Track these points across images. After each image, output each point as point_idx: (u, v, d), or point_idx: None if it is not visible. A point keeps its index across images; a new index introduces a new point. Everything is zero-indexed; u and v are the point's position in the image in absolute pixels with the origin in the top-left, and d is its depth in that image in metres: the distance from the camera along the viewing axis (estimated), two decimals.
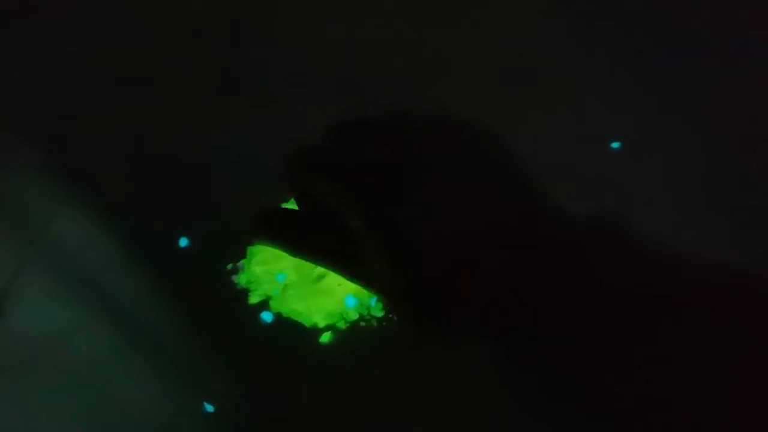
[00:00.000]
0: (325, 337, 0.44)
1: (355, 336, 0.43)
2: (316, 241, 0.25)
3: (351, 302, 0.44)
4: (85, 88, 0.50)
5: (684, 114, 0.48)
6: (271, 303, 0.45)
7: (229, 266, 0.46)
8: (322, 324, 0.44)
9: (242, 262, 0.46)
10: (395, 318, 0.22)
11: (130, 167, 0.48)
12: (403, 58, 0.49)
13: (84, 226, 0.46)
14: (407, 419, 0.41)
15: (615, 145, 0.47)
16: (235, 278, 0.46)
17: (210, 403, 0.42)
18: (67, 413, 0.42)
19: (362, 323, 0.44)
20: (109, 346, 0.43)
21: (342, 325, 0.44)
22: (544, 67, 0.49)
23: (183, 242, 0.47)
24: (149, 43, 0.52)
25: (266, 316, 0.44)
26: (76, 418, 0.42)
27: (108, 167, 0.48)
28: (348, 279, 0.24)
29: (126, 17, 0.52)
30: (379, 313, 0.44)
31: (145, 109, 0.50)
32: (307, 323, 0.44)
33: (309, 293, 0.45)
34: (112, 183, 0.48)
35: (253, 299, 0.45)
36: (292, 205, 0.47)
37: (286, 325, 0.44)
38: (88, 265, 0.45)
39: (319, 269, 0.45)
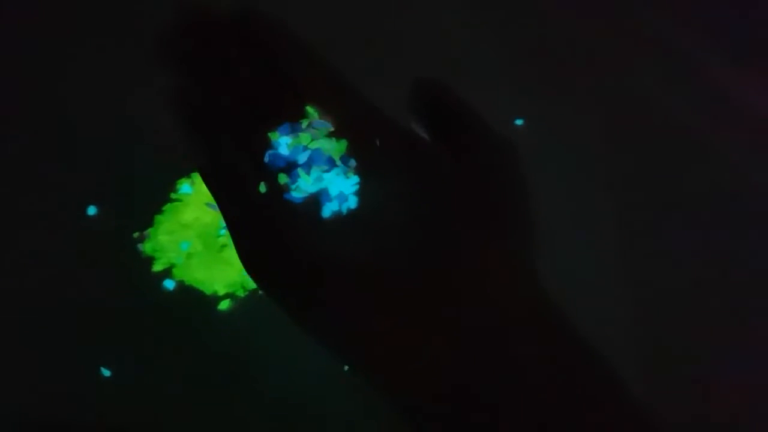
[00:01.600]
0: (224, 305, 0.44)
1: (252, 304, 0.44)
2: None
3: None
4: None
5: (586, 94, 0.49)
6: (175, 271, 0.45)
7: (136, 234, 0.46)
8: (222, 292, 0.44)
9: (148, 230, 0.46)
10: None
11: (38, 134, 0.48)
12: None
13: None
14: (299, 384, 0.42)
15: (518, 122, 0.48)
16: (140, 246, 0.46)
17: (107, 368, 0.42)
18: None
19: (260, 292, 0.44)
20: (10, 310, 0.43)
21: (241, 293, 0.44)
22: (451, 45, 0.50)
23: (91, 210, 0.47)
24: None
25: (168, 284, 0.45)
26: None
27: (13, 133, 0.48)
28: None
29: None
30: None
31: (55, 71, 0.49)
32: (208, 291, 0.45)
33: (212, 262, 0.45)
34: (20, 149, 0.48)
35: (157, 267, 0.45)
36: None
37: (187, 292, 0.44)
38: None
39: (223, 239, 0.46)
